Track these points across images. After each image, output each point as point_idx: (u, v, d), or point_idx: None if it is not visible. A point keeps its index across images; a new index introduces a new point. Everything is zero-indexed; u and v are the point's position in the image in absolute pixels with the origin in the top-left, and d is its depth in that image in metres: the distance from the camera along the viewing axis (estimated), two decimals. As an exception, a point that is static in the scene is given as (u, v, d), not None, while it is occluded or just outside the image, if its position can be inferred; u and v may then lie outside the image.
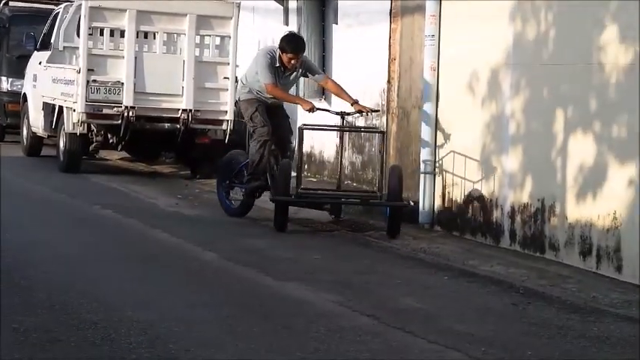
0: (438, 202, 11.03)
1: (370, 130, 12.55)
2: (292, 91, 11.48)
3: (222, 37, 14.83)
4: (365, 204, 10.85)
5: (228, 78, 14.59)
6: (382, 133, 11.03)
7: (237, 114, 13.03)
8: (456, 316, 7.10)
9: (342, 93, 10.85)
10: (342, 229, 10.57)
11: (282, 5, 15.52)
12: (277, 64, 10.61)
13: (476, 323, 6.90)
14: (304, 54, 10.92)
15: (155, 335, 6.20)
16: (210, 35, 14.86)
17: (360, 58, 13.44)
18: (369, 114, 11.28)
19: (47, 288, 7.39)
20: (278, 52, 10.64)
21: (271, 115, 10.83)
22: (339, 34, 14.15)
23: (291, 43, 10.71)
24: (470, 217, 10.54)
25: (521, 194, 9.84)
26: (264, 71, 10.60)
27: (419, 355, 6.10)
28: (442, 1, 11.13)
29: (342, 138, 11.17)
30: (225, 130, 14.55)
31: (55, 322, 6.43)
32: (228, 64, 14.65)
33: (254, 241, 9.69)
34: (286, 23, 15.36)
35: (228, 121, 14.56)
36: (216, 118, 14.61)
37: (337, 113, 10.79)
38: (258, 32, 16.39)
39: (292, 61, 10.60)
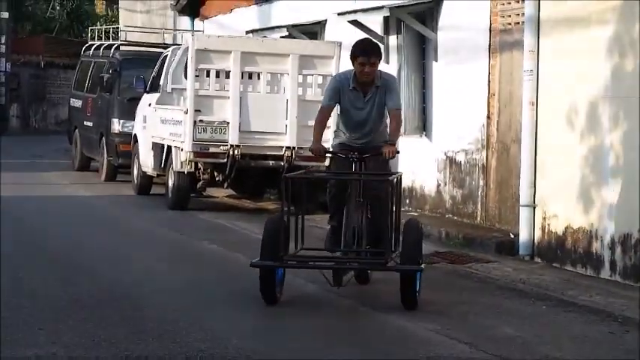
0: (537, 234, 11.11)
1: (382, 174, 9.04)
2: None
3: (325, 77, 15.10)
4: (368, 268, 8.84)
5: (330, 116, 14.86)
6: (393, 179, 8.69)
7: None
8: (553, 344, 7.22)
9: (392, 128, 8.91)
10: (442, 261, 10.71)
11: (382, 44, 15.76)
12: (352, 86, 8.74)
13: (573, 351, 7.03)
14: (392, 80, 9.04)
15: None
16: (312, 74, 15.19)
17: (459, 94, 13.61)
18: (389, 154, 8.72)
19: (157, 319, 7.73)
20: (353, 72, 8.81)
21: (367, 162, 8.84)
22: (439, 71, 14.35)
23: (359, 44, 8.88)
24: (570, 249, 10.60)
25: (622, 225, 9.88)
26: (325, 94, 9.14)
27: (515, 381, 6.24)
28: (540, 37, 11.27)
29: (356, 185, 8.61)
30: (328, 167, 14.81)
31: (163, 349, 6.75)
32: (331, 102, 14.94)
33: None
34: (387, 61, 15.58)
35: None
36: (319, 155, 14.88)
37: (351, 157, 8.84)
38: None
39: (366, 70, 8.62)
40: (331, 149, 9.26)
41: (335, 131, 9.37)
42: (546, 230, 11.00)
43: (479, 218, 12.97)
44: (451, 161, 13.71)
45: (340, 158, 8.98)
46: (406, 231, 8.40)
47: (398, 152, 8.86)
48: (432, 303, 8.60)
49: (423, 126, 14.55)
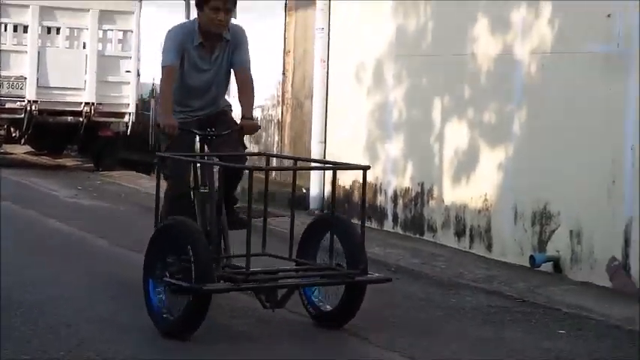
0: (327, 189, 11.48)
1: (351, 167, 7.92)
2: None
3: (125, 32, 15.18)
4: (338, 283, 6.56)
5: (130, 71, 14.97)
6: (366, 169, 6.68)
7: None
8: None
9: (244, 96, 6.89)
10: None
11: (184, 1, 15.84)
12: (198, 42, 6.84)
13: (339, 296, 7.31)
14: (242, 32, 7.13)
15: (41, 311, 6.57)
16: (112, 30, 15.17)
17: (257, 50, 13.78)
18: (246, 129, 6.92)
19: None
20: (196, 23, 6.90)
21: (213, 144, 6.87)
22: (238, 28, 14.52)
23: None
24: (357, 202, 11.00)
25: (403, 179, 10.33)
26: (166, 51, 6.82)
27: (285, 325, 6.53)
28: (331, -5, 11.59)
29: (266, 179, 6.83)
30: (127, 123, 14.91)
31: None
32: (131, 57, 15.01)
33: (141, 230, 10.06)
34: (188, 17, 15.68)
35: (130, 113, 14.93)
36: (118, 110, 14.97)
37: (203, 135, 6.86)
38: (162, 26, 16.67)
39: (219, 18, 6.81)
40: (158, 121, 6.98)
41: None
42: (336, 184, 11.33)
43: (274, 173, 13.26)
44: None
45: (182, 136, 6.74)
46: (346, 233, 6.56)
47: (259, 127, 7.21)
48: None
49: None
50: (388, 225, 10.46)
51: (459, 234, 9.52)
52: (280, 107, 13.16)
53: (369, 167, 6.74)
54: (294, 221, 6.78)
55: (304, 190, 11.89)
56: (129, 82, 14.99)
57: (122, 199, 12.18)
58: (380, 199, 10.64)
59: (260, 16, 13.82)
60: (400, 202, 10.34)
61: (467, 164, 9.49)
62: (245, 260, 6.09)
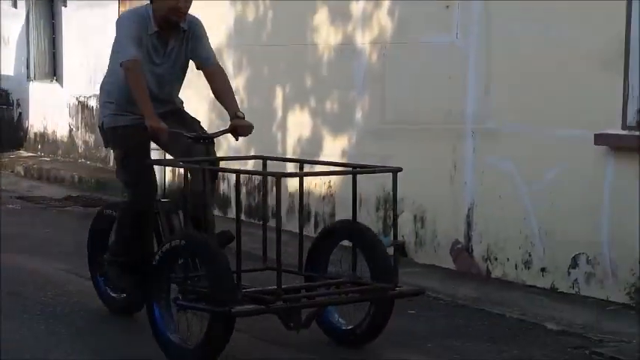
0: (168, 176, 11.44)
1: (379, 169, 6.44)
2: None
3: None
4: (370, 298, 5.99)
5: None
6: (396, 171, 5.94)
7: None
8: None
9: (226, 96, 6.39)
10: (74, 205, 10.89)
11: (10, -13, 15.54)
12: (154, 31, 6.10)
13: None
14: (199, 22, 6.33)
15: None
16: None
17: (92, 39, 13.67)
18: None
19: None
20: (150, 9, 6.12)
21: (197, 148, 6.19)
22: (69, 16, 14.33)
23: None
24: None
25: (246, 167, 10.40)
26: (123, 42, 5.97)
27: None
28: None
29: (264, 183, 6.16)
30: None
31: None
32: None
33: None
34: (14, 6, 15.38)
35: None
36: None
37: (195, 138, 6.17)
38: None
39: (180, 5, 6.02)
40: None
41: (107, 102, 6.26)
42: (176, 173, 11.38)
43: (111, 163, 13.16)
44: (83, 106, 13.79)
45: (141, 138, 6.07)
46: (370, 243, 6.11)
47: (253, 127, 6.35)
48: (59, 244, 8.91)
49: (54, 71, 14.51)
50: (232, 213, 10.54)
51: (303, 220, 9.68)
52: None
53: (400, 169, 5.89)
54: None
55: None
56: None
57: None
58: (223, 186, 10.72)
59: (93, 4, 13.66)
60: (243, 189, 10.44)
61: (310, 151, 9.66)
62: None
